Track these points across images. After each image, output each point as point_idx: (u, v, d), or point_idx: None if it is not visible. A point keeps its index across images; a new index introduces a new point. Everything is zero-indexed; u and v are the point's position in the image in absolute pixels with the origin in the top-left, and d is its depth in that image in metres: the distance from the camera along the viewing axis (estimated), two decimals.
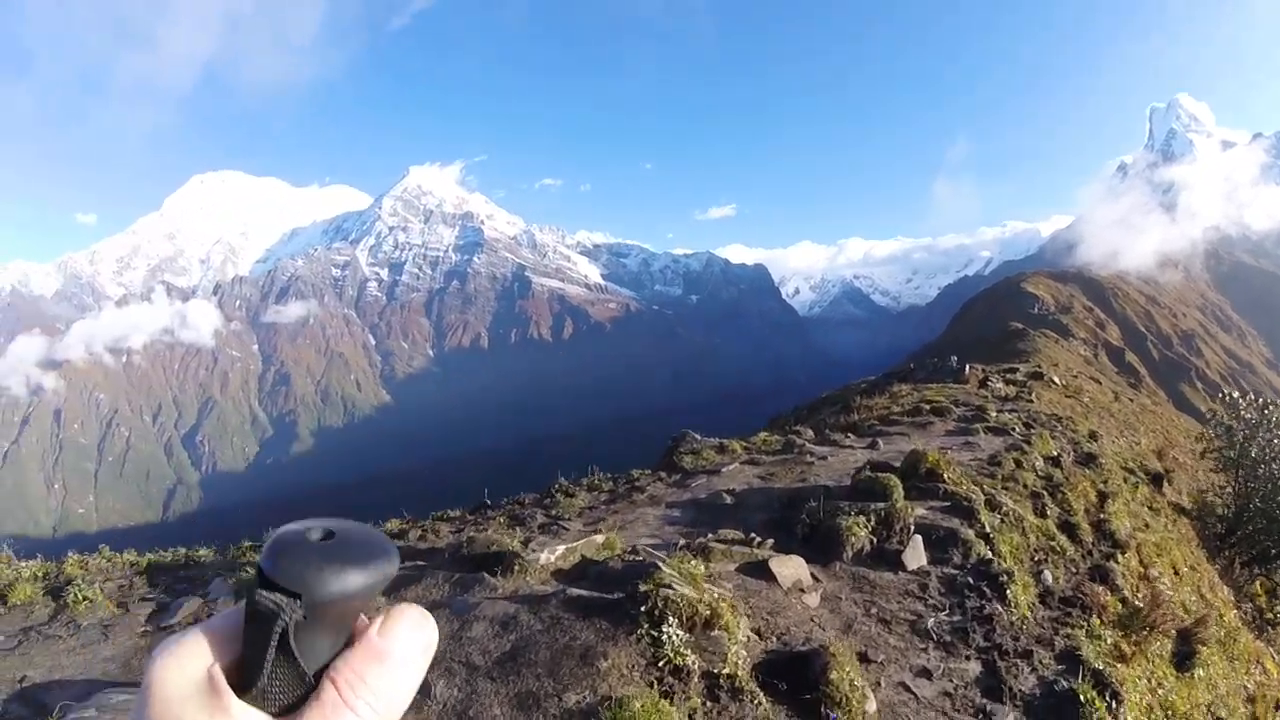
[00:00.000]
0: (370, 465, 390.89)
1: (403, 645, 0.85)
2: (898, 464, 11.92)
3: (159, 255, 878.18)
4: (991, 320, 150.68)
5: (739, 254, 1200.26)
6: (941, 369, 39.14)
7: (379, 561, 0.82)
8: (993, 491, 11.57)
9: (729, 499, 11.64)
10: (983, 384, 35.32)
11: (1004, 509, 10.79)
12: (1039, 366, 52.80)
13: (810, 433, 19.48)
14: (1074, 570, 10.24)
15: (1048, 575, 9.46)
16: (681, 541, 9.00)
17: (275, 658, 0.74)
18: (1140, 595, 10.07)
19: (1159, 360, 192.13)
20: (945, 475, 11.20)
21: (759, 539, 8.86)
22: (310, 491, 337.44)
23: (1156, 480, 21.40)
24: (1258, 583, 19.01)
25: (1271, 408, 21.85)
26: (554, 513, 12.03)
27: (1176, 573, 13.55)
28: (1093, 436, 22.53)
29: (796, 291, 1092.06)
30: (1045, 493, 12.99)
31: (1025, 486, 13.06)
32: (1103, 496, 14.41)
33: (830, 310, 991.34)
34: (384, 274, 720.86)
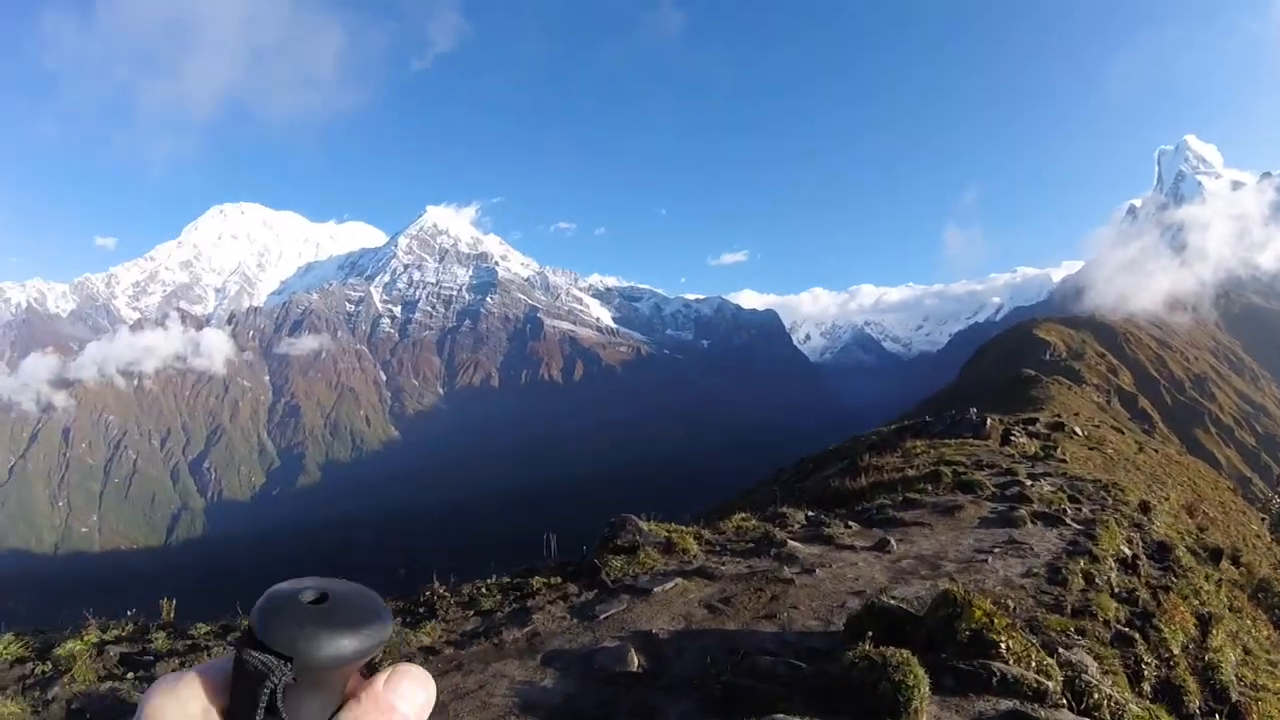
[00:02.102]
0: (376, 501, 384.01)
1: (408, 702, 0.84)
2: (921, 612, 7.27)
3: (175, 282, 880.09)
4: (1004, 367, 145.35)
5: (750, 299, 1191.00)
6: (960, 422, 35.03)
7: (373, 626, 0.82)
8: (1072, 658, 7.12)
9: (640, 661, 7.13)
10: (1005, 439, 31.40)
11: (1095, 696, 6.37)
12: (1059, 416, 49.84)
13: (801, 516, 14.85)
14: None
15: None
16: None
17: (264, 717, 0.71)
18: None
19: (1172, 405, 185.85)
20: (1002, 641, 6.54)
21: None
22: (314, 525, 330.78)
23: (1215, 556, 16.97)
24: None
25: None
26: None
27: None
28: (1144, 508, 18.16)
29: (807, 338, 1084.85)
30: (1134, 630, 8.79)
31: (1106, 624, 8.77)
32: (1202, 621, 10.23)
33: (841, 357, 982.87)
34: (397, 311, 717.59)
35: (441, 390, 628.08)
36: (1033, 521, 14.13)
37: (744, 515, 14.98)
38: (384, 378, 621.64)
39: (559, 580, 10.28)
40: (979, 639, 6.49)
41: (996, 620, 6.65)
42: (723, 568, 10.70)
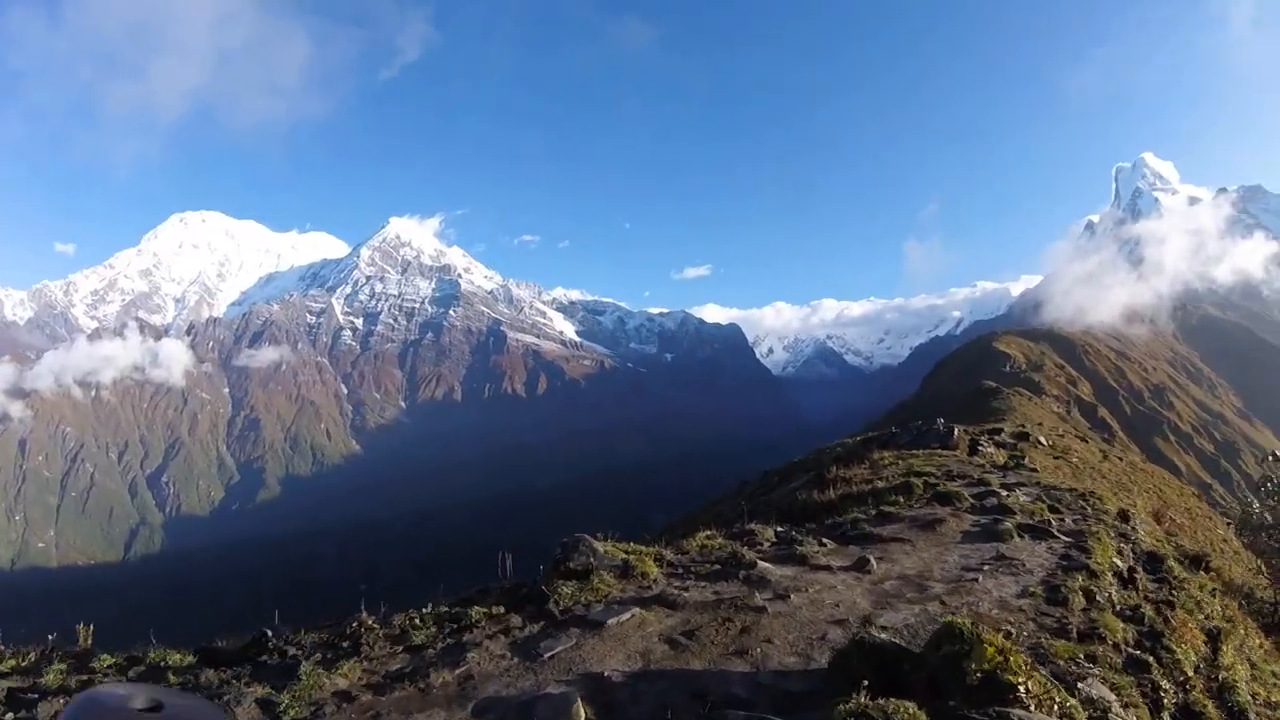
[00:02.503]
0: (337, 515, 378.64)
1: None
2: (918, 647, 6.17)
3: (134, 291, 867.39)
4: (964, 379, 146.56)
5: (714, 314, 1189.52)
6: (927, 433, 34.70)
7: None
8: (1092, 693, 6.25)
9: (588, 713, 6.03)
10: (973, 449, 31.26)
11: None
12: (1023, 426, 50.55)
13: (770, 533, 13.77)
14: None
15: None
16: None
17: None
18: None
19: (1131, 415, 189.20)
20: (1021, 683, 5.44)
21: None
22: (274, 540, 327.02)
23: (1196, 563, 16.25)
24: None
25: None
26: (279, 708, 6.47)
27: None
28: (1124, 517, 17.51)
29: (770, 351, 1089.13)
30: (1145, 653, 8.11)
31: (1117, 647, 8.05)
32: (1211, 637, 9.70)
33: (803, 370, 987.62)
34: (359, 323, 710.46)
35: (403, 404, 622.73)
36: (1019, 534, 13.25)
37: (709, 533, 13.86)
38: (345, 391, 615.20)
39: (502, 610, 9.11)
40: (993, 681, 5.42)
41: (1012, 659, 5.58)
42: (686, 594, 9.60)
